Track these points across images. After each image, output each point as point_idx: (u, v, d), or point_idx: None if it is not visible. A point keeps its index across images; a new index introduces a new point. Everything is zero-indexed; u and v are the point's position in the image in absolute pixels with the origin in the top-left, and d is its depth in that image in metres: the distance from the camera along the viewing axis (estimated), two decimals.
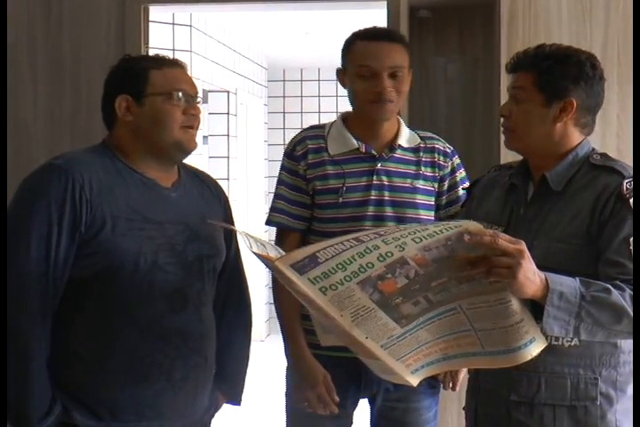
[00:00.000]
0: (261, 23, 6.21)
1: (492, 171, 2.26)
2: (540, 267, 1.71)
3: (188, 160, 2.25)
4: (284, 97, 8.52)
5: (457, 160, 2.55)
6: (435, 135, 2.59)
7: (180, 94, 2.09)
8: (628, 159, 2.26)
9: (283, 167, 2.52)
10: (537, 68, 1.98)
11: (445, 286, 1.62)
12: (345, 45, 2.44)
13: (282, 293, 2.44)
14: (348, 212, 2.40)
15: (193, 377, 2.10)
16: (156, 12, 3.62)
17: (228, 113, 6.62)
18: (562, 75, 1.97)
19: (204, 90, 5.94)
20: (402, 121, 2.53)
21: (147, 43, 3.51)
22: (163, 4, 3.56)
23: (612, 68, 3.23)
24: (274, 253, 1.70)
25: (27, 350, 1.95)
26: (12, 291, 1.94)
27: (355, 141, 2.44)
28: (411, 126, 2.57)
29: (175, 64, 2.16)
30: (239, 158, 6.95)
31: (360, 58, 2.38)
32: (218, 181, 2.44)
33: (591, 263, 1.88)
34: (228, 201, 2.36)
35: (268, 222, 2.52)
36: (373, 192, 2.41)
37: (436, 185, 2.49)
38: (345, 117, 2.52)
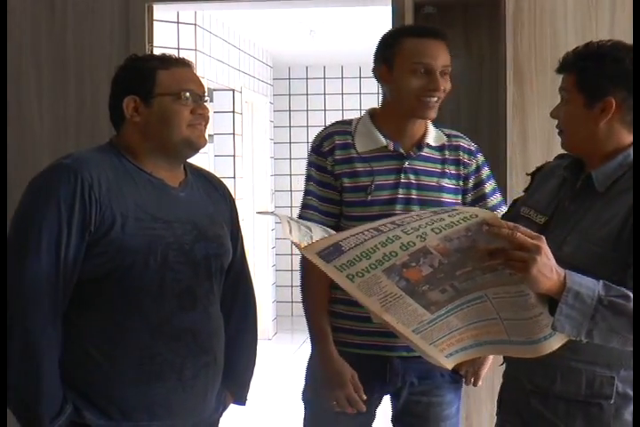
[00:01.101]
0: (266, 21, 6.21)
1: (557, 159, 2.21)
2: (569, 265, 1.70)
3: (194, 159, 2.24)
4: (289, 95, 8.52)
5: (481, 158, 2.53)
6: (459, 133, 2.57)
7: (188, 94, 2.09)
8: None
9: (310, 164, 2.50)
10: (576, 69, 1.95)
11: (470, 275, 1.63)
12: (390, 42, 2.40)
13: (310, 291, 2.46)
14: (376, 210, 2.39)
15: (203, 376, 2.10)
16: (160, 10, 3.62)
17: (233, 111, 6.62)
18: (598, 74, 1.92)
19: (209, 88, 5.92)
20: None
21: (151, 41, 3.49)
22: (166, 2, 3.56)
23: None
24: (319, 234, 1.72)
25: (38, 349, 1.95)
26: (22, 291, 1.94)
27: (383, 139, 2.42)
28: (435, 124, 2.54)
29: (182, 63, 2.15)
30: (245, 157, 6.95)
31: (415, 55, 2.34)
32: (224, 179, 2.44)
33: (618, 270, 1.83)
34: (233, 200, 2.36)
35: (300, 218, 2.50)
36: (401, 190, 2.40)
37: (461, 183, 2.48)
38: (372, 114, 2.50)
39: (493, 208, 2.49)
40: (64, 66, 3.52)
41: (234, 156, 6.64)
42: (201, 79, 2.18)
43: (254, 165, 7.37)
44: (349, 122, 2.51)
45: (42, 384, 1.95)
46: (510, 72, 3.19)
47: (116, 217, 1.99)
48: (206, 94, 2.17)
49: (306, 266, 2.48)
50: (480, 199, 2.50)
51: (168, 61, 2.14)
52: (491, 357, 2.47)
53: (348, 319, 2.43)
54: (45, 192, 1.98)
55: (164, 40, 4.83)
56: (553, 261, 1.65)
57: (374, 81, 2.50)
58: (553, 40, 3.28)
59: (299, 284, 2.56)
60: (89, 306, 2.02)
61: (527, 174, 2.31)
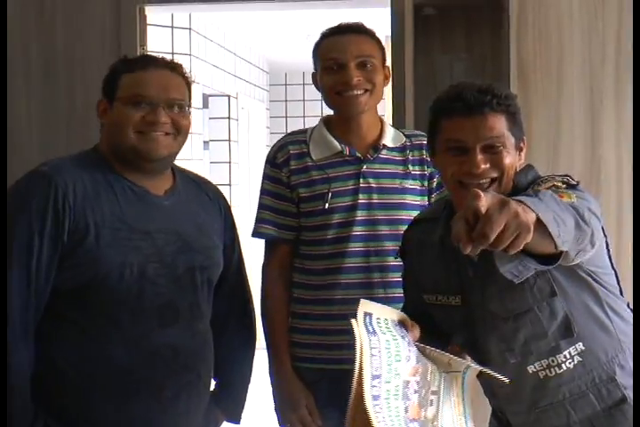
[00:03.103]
0: (262, 26, 6.16)
1: (414, 228, 2.05)
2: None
3: (189, 166, 2.15)
4: (285, 101, 8.47)
5: None
6: (420, 132, 2.53)
7: (146, 100, 2.00)
8: None
9: (265, 176, 2.43)
10: (503, 110, 1.79)
11: (434, 371, 1.70)
12: (314, 47, 2.41)
13: (271, 309, 2.38)
14: (337, 218, 2.32)
15: (185, 396, 2.01)
16: (153, 14, 3.56)
17: (229, 118, 6.57)
18: (519, 114, 1.82)
19: (204, 94, 5.87)
20: (385, 120, 2.48)
21: (143, 44, 3.45)
22: (158, 4, 3.49)
23: (627, 64, 3.15)
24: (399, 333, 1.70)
25: (7, 366, 1.86)
26: None
27: (337, 144, 2.37)
28: (394, 125, 2.52)
29: (158, 65, 2.07)
30: (241, 163, 6.89)
31: (326, 52, 2.35)
32: (219, 186, 2.37)
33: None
34: (229, 209, 2.26)
35: (255, 234, 2.42)
36: (361, 196, 2.33)
37: (425, 183, 2.41)
38: (327, 121, 2.46)
39: None
40: (54, 68, 3.47)
41: (229, 162, 6.58)
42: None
43: (250, 171, 7.30)
44: (305, 131, 2.48)
45: (10, 401, 1.87)
46: (514, 74, 3.12)
47: (90, 227, 1.91)
48: (178, 99, 2.05)
49: (266, 282, 2.40)
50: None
51: (135, 64, 2.08)
52: None
53: (313, 334, 2.35)
54: (18, 201, 1.92)
55: (158, 44, 4.76)
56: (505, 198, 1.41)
57: None
58: (558, 41, 3.20)
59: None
60: (63, 320, 1.94)
61: (396, 257, 2.15)
